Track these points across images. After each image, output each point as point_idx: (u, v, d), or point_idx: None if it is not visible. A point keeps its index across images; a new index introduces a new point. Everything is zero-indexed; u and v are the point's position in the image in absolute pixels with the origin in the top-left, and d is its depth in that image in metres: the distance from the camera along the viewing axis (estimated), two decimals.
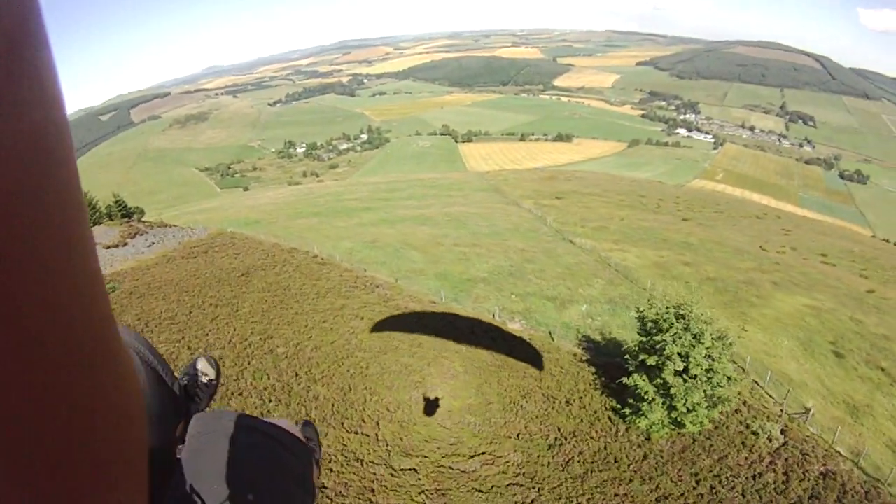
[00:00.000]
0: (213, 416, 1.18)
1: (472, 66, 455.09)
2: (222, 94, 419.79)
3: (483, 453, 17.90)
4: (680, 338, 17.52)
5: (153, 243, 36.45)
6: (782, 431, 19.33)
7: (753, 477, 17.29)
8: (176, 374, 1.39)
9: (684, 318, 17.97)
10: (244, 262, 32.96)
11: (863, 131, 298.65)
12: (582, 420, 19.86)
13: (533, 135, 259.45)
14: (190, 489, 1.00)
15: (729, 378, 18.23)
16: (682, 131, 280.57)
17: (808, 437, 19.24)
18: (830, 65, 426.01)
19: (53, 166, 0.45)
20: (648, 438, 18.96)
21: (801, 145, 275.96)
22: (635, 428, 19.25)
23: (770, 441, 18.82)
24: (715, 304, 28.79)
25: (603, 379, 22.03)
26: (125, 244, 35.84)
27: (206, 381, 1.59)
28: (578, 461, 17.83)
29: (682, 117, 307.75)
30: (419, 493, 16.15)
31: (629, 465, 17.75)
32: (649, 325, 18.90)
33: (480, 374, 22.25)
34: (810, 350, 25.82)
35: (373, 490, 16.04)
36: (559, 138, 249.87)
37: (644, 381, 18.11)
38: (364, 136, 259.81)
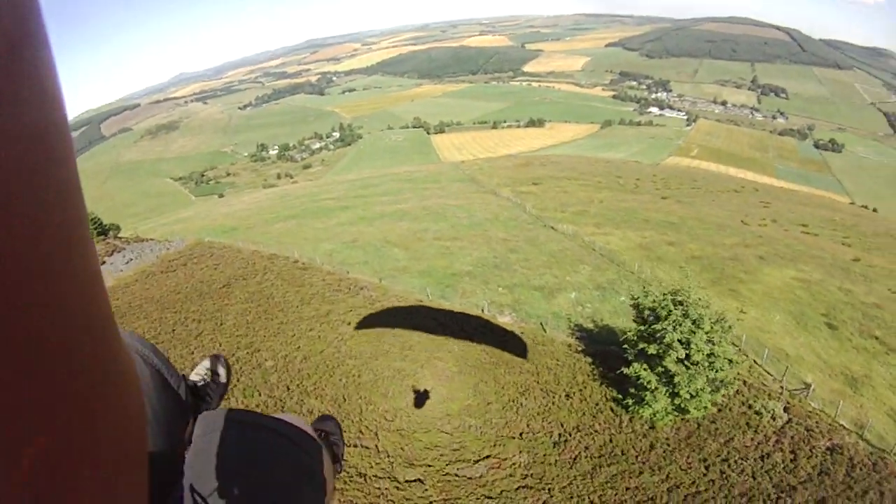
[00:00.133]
0: (214, 416, 1.16)
1: (441, 58, 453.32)
2: (192, 101, 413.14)
3: (488, 456, 17.40)
4: (680, 325, 17.17)
5: (131, 259, 35.31)
6: (785, 409, 19.17)
7: (762, 458, 17.07)
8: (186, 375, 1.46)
9: (682, 305, 17.63)
10: (224, 272, 32.06)
11: (835, 101, 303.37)
12: (584, 413, 19.47)
13: (505, 122, 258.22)
14: (190, 489, 1.00)
15: (730, 361, 17.96)
16: (655, 110, 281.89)
17: (810, 412, 19.09)
18: (800, 37, 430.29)
19: (53, 166, 0.45)
20: (653, 427, 18.63)
21: (774, 117, 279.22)
22: (639, 417, 18.91)
23: (774, 420, 18.64)
24: (703, 282, 28.53)
25: (601, 369, 21.66)
26: (103, 263, 34.50)
27: (216, 381, 1.67)
28: (585, 457, 17.43)
29: (653, 96, 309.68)
30: None
31: (637, 457, 17.40)
32: (646, 312, 18.54)
33: (475, 372, 21.73)
34: (803, 323, 25.75)
35: None
36: (531, 124, 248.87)
37: (646, 370, 17.75)
38: (336, 134, 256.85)
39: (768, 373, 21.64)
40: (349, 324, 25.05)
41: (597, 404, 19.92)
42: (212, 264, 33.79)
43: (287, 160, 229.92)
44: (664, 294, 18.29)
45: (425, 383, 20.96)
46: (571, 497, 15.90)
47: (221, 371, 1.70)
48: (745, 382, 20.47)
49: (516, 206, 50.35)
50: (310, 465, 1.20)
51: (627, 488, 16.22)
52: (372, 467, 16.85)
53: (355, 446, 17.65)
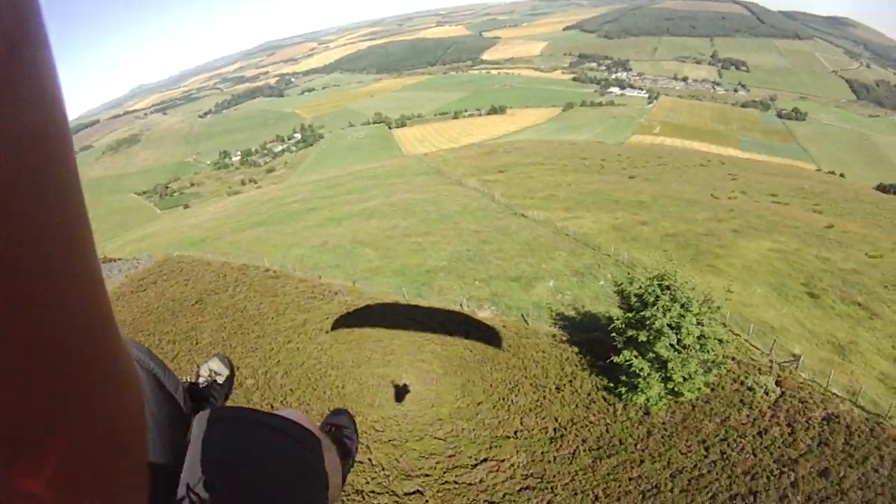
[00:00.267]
0: (208, 414, 1.12)
1: (398, 51, 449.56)
2: (152, 112, 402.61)
3: (485, 460, 16.93)
4: (668, 310, 16.85)
5: None
6: (777, 382, 19.04)
7: (759, 434, 16.93)
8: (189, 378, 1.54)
9: (669, 290, 17.30)
10: (196, 287, 30.95)
11: (796, 71, 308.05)
12: (577, 405, 19.09)
13: (466, 111, 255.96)
14: (186, 486, 0.97)
15: (720, 341, 17.74)
16: (616, 90, 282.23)
17: (802, 383, 18.98)
18: (759, 10, 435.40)
19: (53, 166, 0.45)
20: (648, 413, 18.35)
21: (735, 90, 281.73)
22: (633, 404, 18.60)
23: (767, 394, 18.49)
24: (680, 259, 28.37)
25: (588, 357, 21.28)
26: None
27: (220, 381, 1.68)
28: (584, 450, 17.07)
29: (613, 76, 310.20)
30: None
31: (636, 445, 17.10)
32: (633, 299, 18.18)
33: (461, 372, 21.22)
34: (784, 294, 25.75)
35: None
36: (493, 111, 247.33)
37: (637, 357, 17.41)
38: (297, 136, 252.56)
39: (756, 347, 21.51)
40: (327, 332, 24.31)
41: (589, 394, 19.57)
42: (182, 280, 32.62)
43: (250, 165, 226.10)
44: (650, 280, 17.94)
45: (413, 389, 20.40)
46: (576, 494, 15.52)
47: (224, 371, 1.70)
48: (734, 359, 20.26)
49: (484, 196, 49.62)
50: (308, 460, 1.12)
51: (630, 479, 15.91)
52: (368, 483, 16.26)
53: None
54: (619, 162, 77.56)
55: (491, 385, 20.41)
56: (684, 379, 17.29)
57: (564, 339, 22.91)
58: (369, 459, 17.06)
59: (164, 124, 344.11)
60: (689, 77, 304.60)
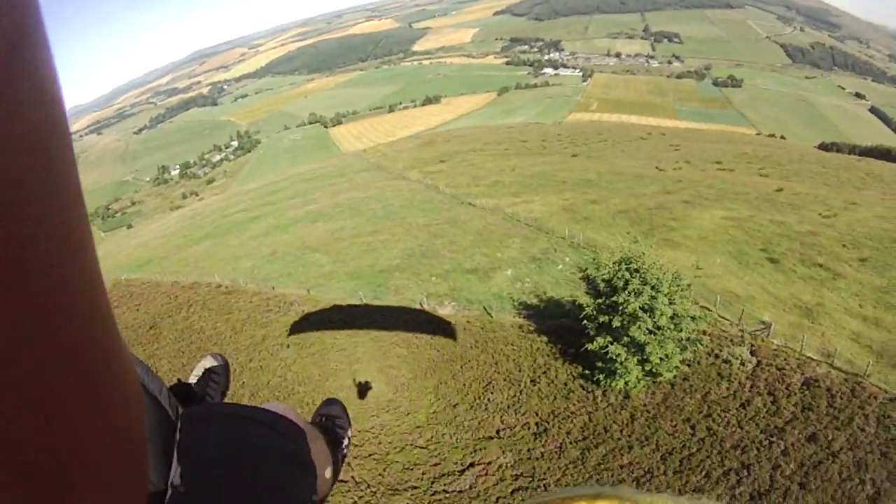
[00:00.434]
0: (192, 411, 1.15)
1: (329, 49, 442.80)
2: (86, 134, 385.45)
3: (472, 464, 16.31)
4: (640, 293, 16.53)
5: None
6: (752, 352, 19.02)
7: (742, 406, 16.87)
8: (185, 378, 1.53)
9: (638, 272, 16.97)
10: (148, 311, 29.34)
11: (730, 39, 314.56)
12: (555, 397, 18.66)
13: (401, 104, 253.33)
14: (170, 484, 0.99)
15: (693, 318, 17.55)
16: (549, 71, 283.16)
17: (776, 350, 19.02)
18: None
19: (54, 166, 0.45)
20: (628, 396, 18.09)
21: (669, 63, 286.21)
22: (612, 390, 18.28)
23: (744, 365, 18.48)
24: (636, 236, 28.27)
25: (559, 346, 20.88)
26: None
27: (216, 379, 1.71)
28: (570, 443, 16.65)
29: (546, 57, 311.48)
30: None
31: (621, 431, 16.80)
32: (602, 285, 17.80)
33: (432, 374, 20.57)
34: (744, 262, 25.87)
35: None
36: (427, 101, 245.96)
37: (612, 343, 17.07)
38: (234, 143, 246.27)
39: (725, 318, 21.47)
40: (288, 346, 23.29)
41: (566, 384, 19.18)
42: (133, 305, 30.88)
43: (190, 178, 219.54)
44: (617, 263, 17.58)
45: (385, 397, 19.62)
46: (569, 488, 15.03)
47: (219, 369, 1.71)
48: (705, 332, 20.14)
49: (429, 188, 48.63)
50: (293, 452, 1.18)
51: (621, 466, 15.60)
52: (356, 502, 15.40)
53: None
54: (560, 142, 77.45)
55: (464, 385, 19.81)
56: (661, 360, 17.07)
57: (531, 328, 22.40)
58: (352, 478, 16.24)
59: (99, 145, 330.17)
60: (622, 53, 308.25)
